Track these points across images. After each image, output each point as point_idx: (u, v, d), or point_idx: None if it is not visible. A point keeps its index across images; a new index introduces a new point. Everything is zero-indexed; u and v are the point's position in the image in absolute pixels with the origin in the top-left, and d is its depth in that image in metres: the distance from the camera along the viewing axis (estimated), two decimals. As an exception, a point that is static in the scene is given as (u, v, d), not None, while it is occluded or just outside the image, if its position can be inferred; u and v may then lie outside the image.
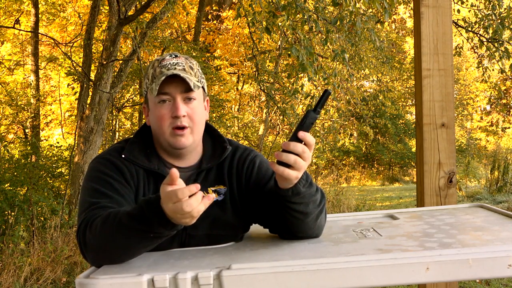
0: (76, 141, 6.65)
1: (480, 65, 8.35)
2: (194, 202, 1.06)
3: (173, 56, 1.40)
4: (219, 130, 1.53)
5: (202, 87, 1.43)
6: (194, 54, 9.06)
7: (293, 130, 1.19)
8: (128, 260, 1.22)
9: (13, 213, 5.33)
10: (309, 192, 1.25)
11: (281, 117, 9.91)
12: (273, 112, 11.78)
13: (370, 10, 7.15)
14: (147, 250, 1.22)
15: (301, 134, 1.15)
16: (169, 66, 1.36)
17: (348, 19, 5.32)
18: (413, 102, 18.78)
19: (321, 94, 1.17)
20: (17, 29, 9.92)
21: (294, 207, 1.25)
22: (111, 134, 10.77)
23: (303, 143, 1.16)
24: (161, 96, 1.35)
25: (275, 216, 1.33)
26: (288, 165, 1.16)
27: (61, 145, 9.20)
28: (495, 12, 7.11)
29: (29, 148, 8.61)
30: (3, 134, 10.22)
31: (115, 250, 1.18)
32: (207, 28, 11.84)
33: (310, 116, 1.17)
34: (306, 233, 1.34)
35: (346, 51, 6.97)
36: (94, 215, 1.22)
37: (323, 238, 1.36)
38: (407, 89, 20.27)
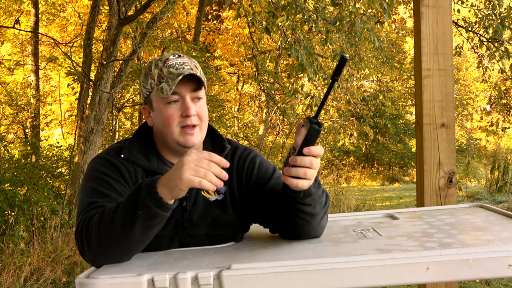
0: (76, 141, 6.65)
1: (480, 65, 8.35)
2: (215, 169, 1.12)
3: (177, 55, 1.40)
4: (219, 130, 1.53)
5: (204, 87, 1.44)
6: (194, 54, 9.06)
7: (296, 143, 1.17)
8: (126, 257, 1.22)
9: (13, 213, 5.33)
10: (318, 193, 1.26)
11: (281, 117, 9.90)
12: (273, 112, 11.78)
13: (370, 10, 7.15)
14: (143, 241, 1.20)
15: (306, 150, 1.15)
16: (177, 66, 1.36)
17: (347, 19, 5.32)
18: (413, 102, 18.77)
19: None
20: (17, 29, 9.92)
21: (303, 208, 1.25)
22: (111, 134, 10.77)
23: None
24: (171, 96, 1.35)
25: (279, 217, 1.33)
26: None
27: (61, 145, 9.21)
28: (495, 12, 7.11)
29: (29, 148, 8.61)
30: (3, 134, 10.22)
31: (111, 243, 1.17)
32: (207, 28, 11.84)
33: (313, 130, 1.14)
34: (310, 235, 1.35)
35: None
36: (92, 215, 1.23)
37: (323, 238, 1.36)
38: (407, 89, 20.26)
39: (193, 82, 1.36)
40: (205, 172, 1.09)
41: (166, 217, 1.18)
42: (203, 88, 1.40)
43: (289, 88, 8.25)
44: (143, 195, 1.13)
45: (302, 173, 1.15)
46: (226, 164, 1.13)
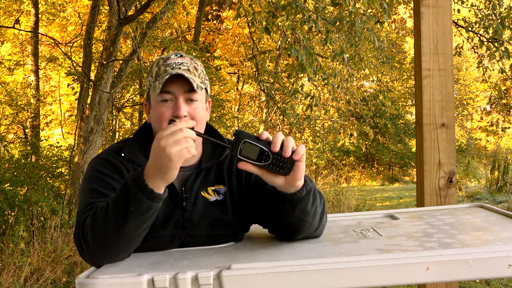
0: (76, 141, 6.65)
1: (480, 65, 8.35)
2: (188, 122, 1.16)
3: (179, 55, 1.40)
4: (219, 130, 1.53)
5: (205, 89, 1.43)
6: (194, 54, 9.06)
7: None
8: (125, 253, 1.22)
9: (13, 213, 5.33)
10: (314, 187, 1.26)
11: (281, 117, 9.91)
12: (273, 112, 11.78)
13: (370, 10, 7.15)
14: (139, 235, 1.20)
15: (263, 136, 1.16)
16: (174, 65, 1.36)
17: (347, 19, 5.32)
18: (413, 102, 18.78)
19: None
20: (17, 29, 9.92)
21: (304, 208, 1.23)
22: (111, 134, 10.77)
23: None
24: (163, 95, 1.35)
25: (278, 219, 1.32)
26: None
27: (61, 145, 9.21)
28: (495, 12, 7.11)
29: (29, 148, 8.61)
30: (3, 134, 10.22)
31: (107, 242, 1.17)
32: (207, 28, 11.84)
33: (243, 134, 1.15)
34: (311, 235, 1.34)
35: (346, 51, 6.97)
36: (88, 215, 1.23)
37: (323, 238, 1.36)
38: (407, 89, 20.27)
39: (188, 83, 1.36)
40: (185, 139, 1.11)
41: (158, 208, 1.18)
42: (202, 90, 1.38)
43: (289, 88, 8.25)
44: (133, 190, 1.13)
45: (291, 142, 1.15)
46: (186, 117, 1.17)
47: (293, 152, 1.15)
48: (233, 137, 1.16)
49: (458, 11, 8.03)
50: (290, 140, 1.16)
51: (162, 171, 1.12)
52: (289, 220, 1.27)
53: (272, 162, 1.15)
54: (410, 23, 17.36)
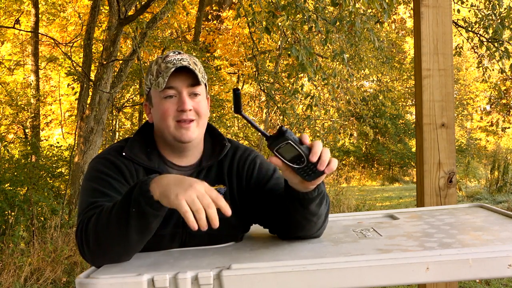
0: (76, 141, 6.65)
1: (480, 65, 8.35)
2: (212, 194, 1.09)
3: (177, 53, 1.41)
4: (219, 130, 1.53)
5: (205, 84, 1.44)
6: (194, 54, 9.06)
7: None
8: (125, 256, 1.22)
9: (13, 213, 5.33)
10: (325, 188, 1.26)
11: (281, 117, 9.90)
12: (273, 112, 11.77)
13: (370, 10, 7.16)
14: (140, 240, 1.19)
15: (305, 139, 1.13)
16: (175, 61, 1.37)
17: (347, 19, 5.32)
18: (413, 102, 18.77)
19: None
20: (17, 29, 9.90)
21: (312, 208, 1.24)
22: (111, 134, 10.77)
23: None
24: (167, 91, 1.36)
25: (279, 218, 1.32)
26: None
27: (61, 145, 9.21)
28: (495, 12, 7.11)
29: (29, 148, 8.61)
30: (3, 134, 10.22)
31: (109, 243, 1.17)
32: (207, 28, 11.84)
33: (289, 133, 1.12)
34: (313, 235, 1.34)
35: (346, 51, 6.97)
36: (91, 215, 1.23)
37: (323, 238, 1.36)
38: (407, 89, 20.26)
39: (190, 77, 1.37)
40: (198, 209, 1.06)
41: (159, 216, 1.16)
42: (202, 85, 1.40)
43: (289, 88, 8.24)
44: (136, 192, 1.12)
45: (328, 155, 1.13)
46: (228, 213, 1.09)
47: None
48: (277, 132, 1.12)
49: (458, 11, 8.03)
50: (328, 152, 1.13)
51: (166, 193, 1.09)
52: (295, 218, 1.27)
53: (303, 168, 1.14)
54: (410, 23, 17.35)
